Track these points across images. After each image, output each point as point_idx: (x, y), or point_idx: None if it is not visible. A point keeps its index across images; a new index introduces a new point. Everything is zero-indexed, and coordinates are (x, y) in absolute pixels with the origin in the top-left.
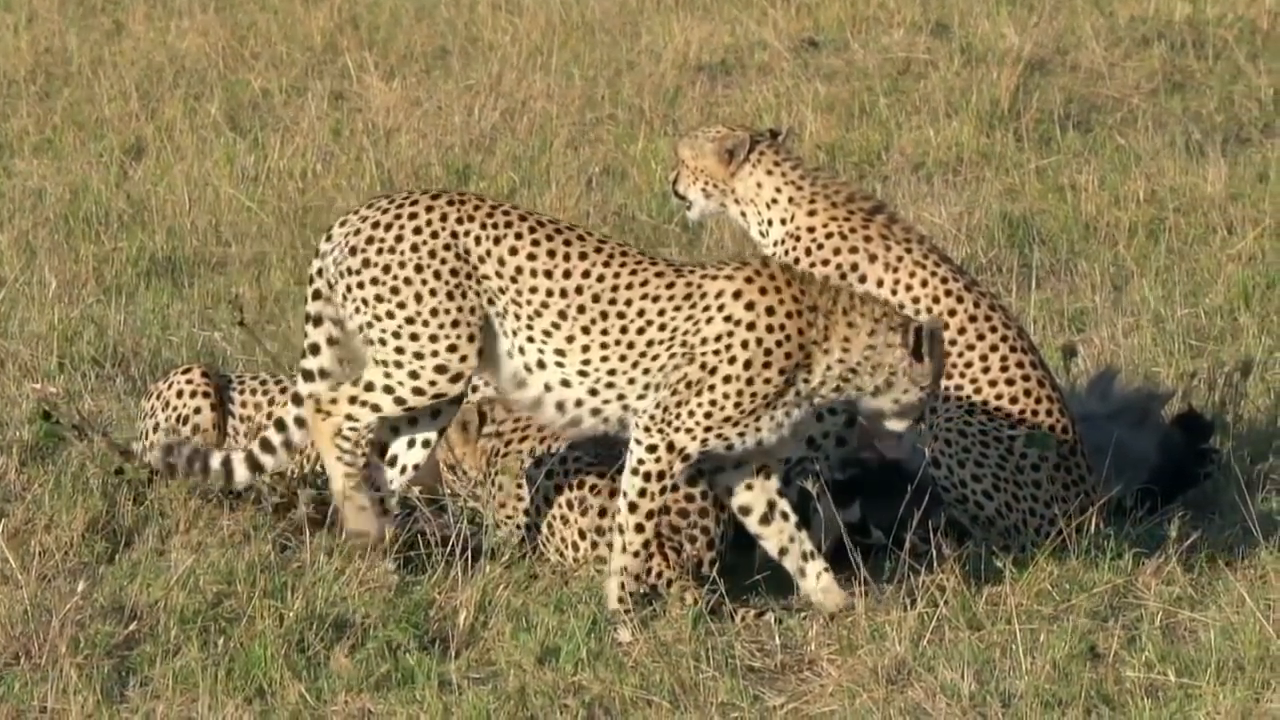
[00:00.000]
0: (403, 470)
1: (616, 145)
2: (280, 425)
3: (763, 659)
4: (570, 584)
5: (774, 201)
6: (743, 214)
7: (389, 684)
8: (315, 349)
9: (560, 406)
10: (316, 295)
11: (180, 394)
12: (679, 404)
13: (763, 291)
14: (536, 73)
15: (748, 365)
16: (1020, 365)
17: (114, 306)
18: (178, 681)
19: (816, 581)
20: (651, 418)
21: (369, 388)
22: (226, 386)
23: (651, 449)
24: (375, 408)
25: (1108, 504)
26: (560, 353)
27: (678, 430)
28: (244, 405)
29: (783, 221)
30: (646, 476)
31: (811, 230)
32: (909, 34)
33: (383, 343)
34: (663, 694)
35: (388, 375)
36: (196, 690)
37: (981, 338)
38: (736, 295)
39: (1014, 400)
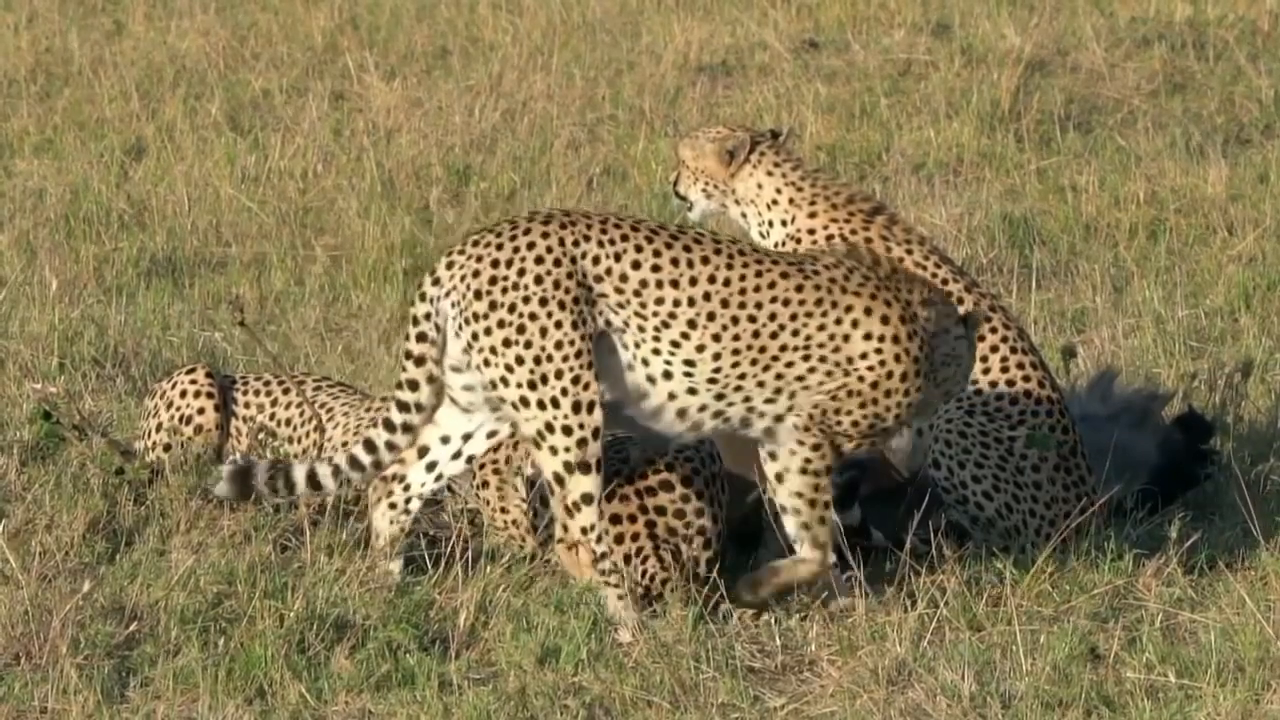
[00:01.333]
0: (438, 478)
1: (617, 146)
2: (370, 446)
3: (763, 660)
4: (570, 585)
5: (774, 202)
6: (743, 215)
7: (389, 684)
8: (414, 385)
9: (682, 414)
10: (422, 338)
11: (184, 394)
12: (839, 410)
13: (888, 304)
14: (537, 73)
15: (904, 378)
16: (1021, 366)
17: (114, 307)
18: (178, 682)
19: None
20: (811, 418)
21: (560, 482)
22: (230, 387)
23: (817, 448)
24: (588, 498)
25: (1108, 505)
26: (690, 362)
27: (839, 434)
28: (247, 406)
29: (783, 223)
30: (816, 473)
31: (812, 232)
32: (909, 35)
33: (524, 402)
34: (663, 695)
35: (555, 451)
36: (197, 690)
37: (982, 338)
38: (868, 312)
39: (1014, 401)
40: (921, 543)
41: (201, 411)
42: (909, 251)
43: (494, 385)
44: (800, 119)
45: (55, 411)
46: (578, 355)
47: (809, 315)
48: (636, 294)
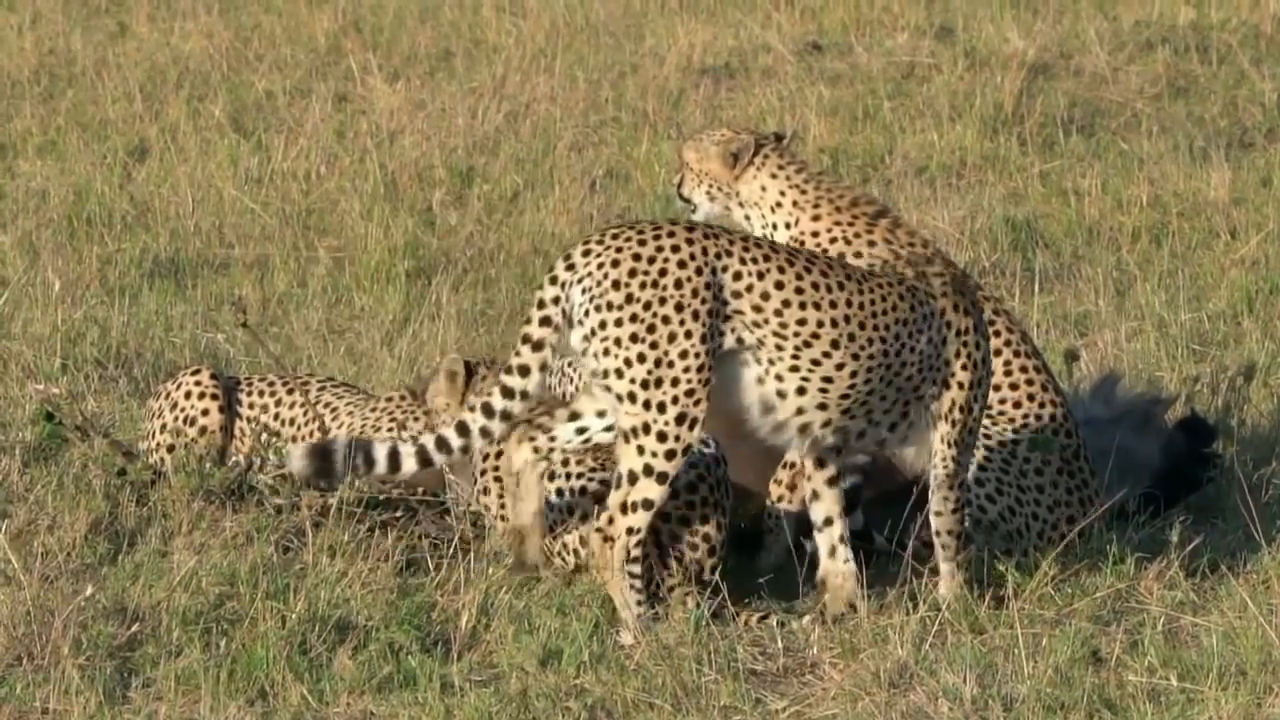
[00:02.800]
0: (585, 441)
1: (620, 148)
2: (463, 430)
3: (765, 662)
4: (572, 587)
5: (778, 205)
6: (747, 217)
7: (391, 686)
8: (525, 370)
9: (805, 429)
10: (545, 322)
11: (188, 395)
12: (965, 425)
13: (956, 306)
14: (540, 75)
15: (985, 363)
16: (1024, 369)
17: (117, 308)
18: (180, 683)
19: (832, 563)
20: (950, 430)
21: (632, 480)
22: (234, 388)
23: (955, 459)
24: (648, 504)
25: (1110, 508)
26: (828, 379)
27: (969, 442)
28: (251, 407)
29: (787, 225)
30: (962, 485)
31: (815, 235)
32: (913, 38)
33: (632, 397)
34: (665, 697)
35: (641, 450)
36: (199, 691)
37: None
38: (955, 309)
39: (1017, 404)
40: (924, 546)
41: (206, 413)
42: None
43: (605, 374)
44: (803, 122)
45: (58, 412)
46: (699, 370)
47: (920, 331)
48: (777, 314)
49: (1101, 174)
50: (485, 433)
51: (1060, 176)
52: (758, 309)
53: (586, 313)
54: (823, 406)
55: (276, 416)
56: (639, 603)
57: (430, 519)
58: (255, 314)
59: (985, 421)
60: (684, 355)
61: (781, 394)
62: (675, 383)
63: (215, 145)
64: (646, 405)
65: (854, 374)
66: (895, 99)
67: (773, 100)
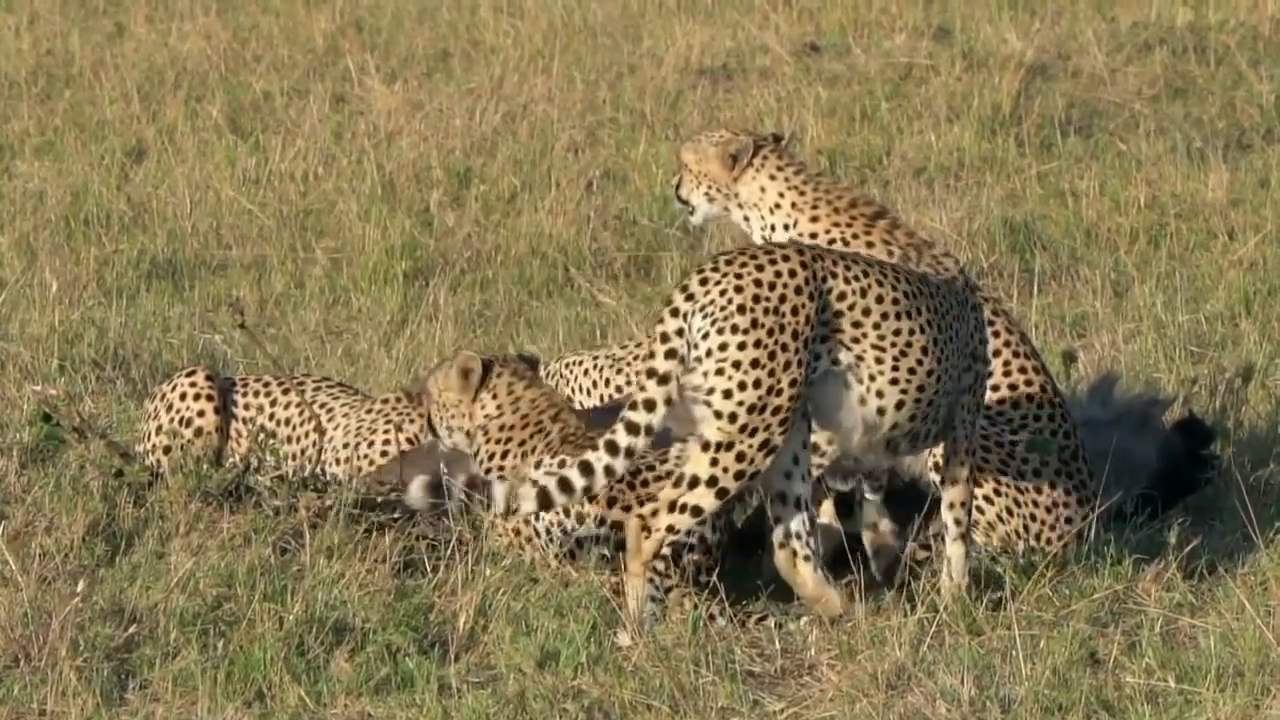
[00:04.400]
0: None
1: (618, 149)
2: (586, 469)
3: (762, 664)
4: (570, 588)
5: (777, 206)
6: (745, 219)
7: (388, 687)
8: (651, 405)
9: (894, 445)
10: (671, 354)
11: (184, 396)
12: (981, 395)
13: (968, 284)
14: (538, 76)
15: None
16: (1022, 370)
17: (114, 309)
18: (177, 684)
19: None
20: (970, 399)
21: (693, 484)
22: (229, 389)
23: (971, 424)
24: (696, 510)
25: (1108, 509)
26: (921, 388)
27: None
28: (246, 408)
29: (786, 227)
30: (971, 453)
31: (814, 236)
32: (910, 39)
33: (732, 418)
34: (662, 698)
35: (714, 463)
36: (196, 693)
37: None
38: (969, 286)
39: (1015, 405)
40: (921, 548)
41: (201, 414)
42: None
43: (710, 391)
44: (801, 123)
45: (55, 413)
46: (797, 399)
47: (962, 321)
48: (876, 327)
49: (1099, 175)
50: (609, 471)
51: (1058, 177)
52: (858, 325)
53: (705, 335)
54: (913, 417)
55: (272, 417)
56: (651, 598)
57: (428, 520)
58: (253, 315)
59: (983, 422)
60: (793, 384)
61: (882, 410)
62: (776, 411)
63: (213, 146)
64: (743, 428)
65: (939, 379)
66: (893, 100)
67: (770, 101)
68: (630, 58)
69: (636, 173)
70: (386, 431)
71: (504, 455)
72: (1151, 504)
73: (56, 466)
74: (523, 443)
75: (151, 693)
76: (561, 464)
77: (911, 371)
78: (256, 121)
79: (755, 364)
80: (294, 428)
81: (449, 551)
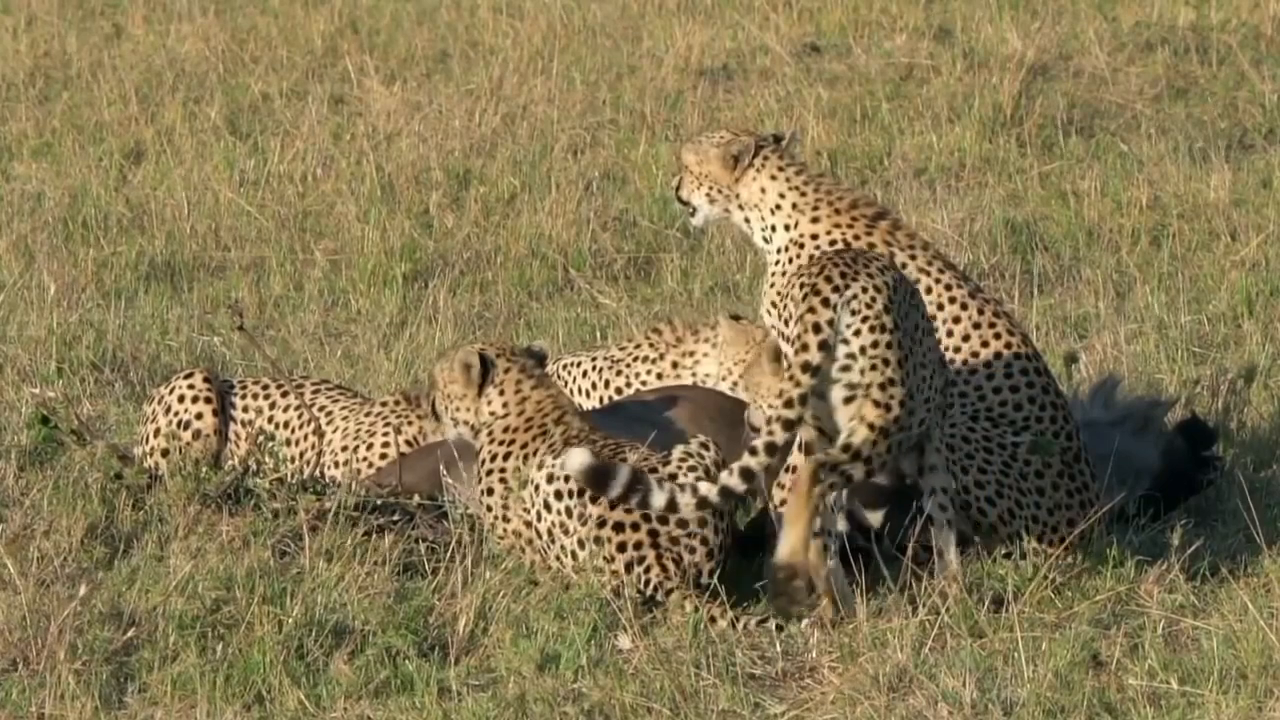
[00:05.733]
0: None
1: (617, 150)
2: (747, 474)
3: (764, 666)
4: (570, 590)
5: (778, 207)
6: (746, 220)
7: (388, 690)
8: (804, 400)
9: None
10: (823, 346)
11: (182, 399)
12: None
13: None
14: (537, 77)
15: None
16: (1024, 372)
17: (113, 311)
18: (176, 688)
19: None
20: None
21: (847, 449)
22: (228, 391)
23: (941, 449)
24: (845, 477)
25: (1110, 511)
26: (950, 382)
27: None
28: (245, 410)
29: (786, 227)
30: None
31: (815, 236)
32: (911, 39)
33: (886, 408)
34: (663, 701)
35: (873, 444)
36: (195, 697)
37: (985, 344)
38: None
39: (1017, 407)
40: (923, 549)
41: (200, 416)
42: (912, 257)
43: (868, 387)
44: (801, 123)
45: (53, 416)
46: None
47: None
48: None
49: (1101, 176)
50: (769, 470)
51: (1059, 178)
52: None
53: (857, 332)
54: (944, 412)
55: (271, 420)
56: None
57: (427, 523)
58: (252, 317)
59: (985, 424)
60: (922, 385)
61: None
62: (910, 414)
63: (211, 148)
64: (894, 422)
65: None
66: (894, 100)
67: (771, 102)
68: (630, 58)
69: (636, 174)
70: (385, 434)
71: (506, 457)
72: (1154, 506)
73: (55, 469)
74: (525, 445)
75: (150, 696)
76: (725, 470)
77: (943, 363)
78: (255, 123)
79: (901, 363)
80: (293, 430)
81: (449, 554)
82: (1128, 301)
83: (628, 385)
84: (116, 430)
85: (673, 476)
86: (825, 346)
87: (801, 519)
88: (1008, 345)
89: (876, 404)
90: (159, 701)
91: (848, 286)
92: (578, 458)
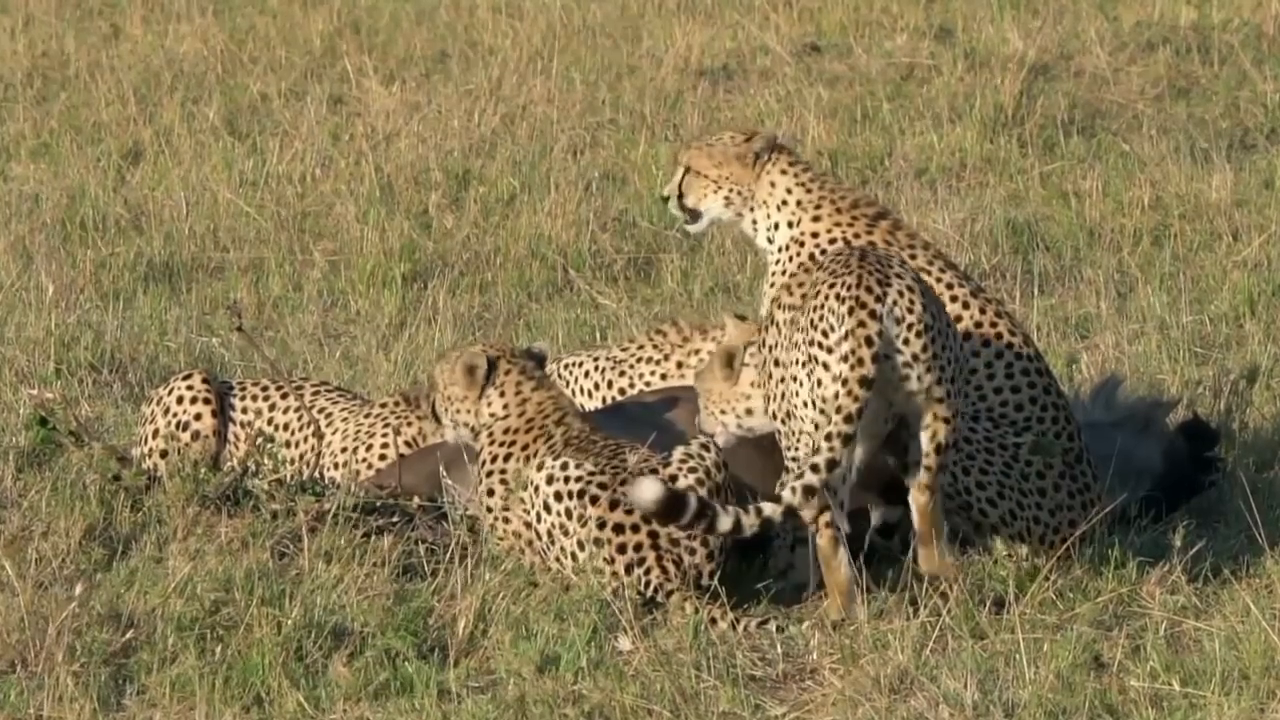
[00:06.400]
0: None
1: (617, 150)
2: (810, 492)
3: (764, 668)
4: (570, 592)
5: (784, 203)
6: (754, 221)
7: (388, 692)
8: (861, 414)
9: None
10: (877, 358)
11: (180, 400)
12: None
13: None
14: (537, 77)
15: None
16: (1025, 372)
17: (111, 312)
18: (175, 690)
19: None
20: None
21: (947, 450)
22: (227, 393)
23: None
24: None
25: (1112, 512)
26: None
27: None
28: (244, 411)
29: (789, 224)
30: None
31: (815, 235)
32: (912, 39)
33: (949, 399)
34: (663, 703)
35: (954, 432)
36: (194, 698)
37: (986, 344)
38: None
39: (1019, 407)
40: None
41: (199, 418)
42: (912, 257)
43: (931, 384)
44: (802, 123)
45: (52, 417)
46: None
47: None
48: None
49: (1102, 176)
50: (828, 487)
51: (1061, 178)
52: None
53: (906, 341)
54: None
55: (270, 421)
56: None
57: (427, 524)
58: (250, 318)
59: (987, 425)
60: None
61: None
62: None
63: (210, 148)
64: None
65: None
66: (894, 100)
67: (771, 102)
68: (629, 59)
69: (636, 174)
70: (385, 436)
71: (506, 459)
72: (1155, 507)
73: (53, 471)
74: (525, 446)
75: (149, 698)
76: (787, 489)
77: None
78: (254, 123)
79: (951, 362)
80: (292, 432)
81: (448, 555)
82: (1129, 302)
83: (631, 386)
84: (115, 431)
85: (673, 478)
86: (878, 359)
87: (933, 532)
88: (1009, 345)
89: (939, 400)
90: (158, 703)
91: (885, 295)
92: (650, 489)
